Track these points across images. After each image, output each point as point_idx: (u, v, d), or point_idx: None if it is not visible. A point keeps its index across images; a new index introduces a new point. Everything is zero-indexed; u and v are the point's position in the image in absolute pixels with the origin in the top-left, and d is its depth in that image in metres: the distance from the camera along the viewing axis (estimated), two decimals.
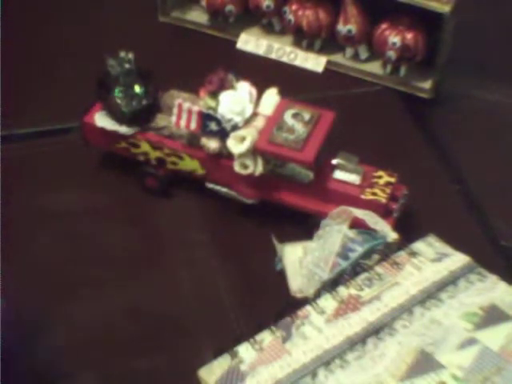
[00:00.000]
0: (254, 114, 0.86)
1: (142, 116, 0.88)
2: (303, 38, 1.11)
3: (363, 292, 0.71)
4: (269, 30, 1.15)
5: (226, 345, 0.68)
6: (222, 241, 0.87)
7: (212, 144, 0.85)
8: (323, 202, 0.84)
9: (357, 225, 0.79)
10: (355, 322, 0.69)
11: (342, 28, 1.07)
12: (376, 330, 0.68)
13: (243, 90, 0.86)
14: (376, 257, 0.76)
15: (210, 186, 0.89)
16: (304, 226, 0.83)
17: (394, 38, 1.03)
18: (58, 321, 0.79)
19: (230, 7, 1.13)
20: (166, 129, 0.88)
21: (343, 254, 0.76)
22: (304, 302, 0.73)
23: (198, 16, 1.18)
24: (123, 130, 0.88)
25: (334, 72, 1.10)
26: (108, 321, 0.79)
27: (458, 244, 0.76)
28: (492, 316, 0.69)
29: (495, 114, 1.05)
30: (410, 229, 0.82)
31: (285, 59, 1.11)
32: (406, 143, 1.00)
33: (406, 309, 0.70)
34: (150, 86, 0.88)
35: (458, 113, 1.05)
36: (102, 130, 0.89)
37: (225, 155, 0.85)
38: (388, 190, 0.83)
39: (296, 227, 0.85)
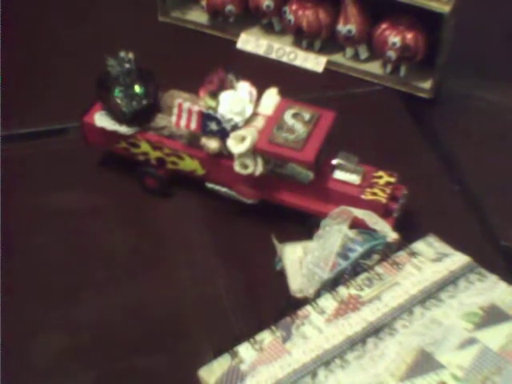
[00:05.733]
0: (254, 114, 0.86)
1: (142, 116, 0.88)
2: (303, 37, 1.11)
3: (363, 292, 0.71)
4: (269, 30, 1.15)
5: (226, 345, 0.68)
6: (222, 241, 0.87)
7: (212, 144, 0.85)
8: (323, 202, 0.84)
9: (357, 225, 0.79)
10: (355, 322, 0.69)
11: (342, 28, 1.07)
12: (376, 330, 0.68)
13: (243, 89, 0.86)
14: (376, 257, 0.76)
15: (210, 186, 0.89)
16: (304, 226, 0.84)
17: (394, 38, 1.03)
18: (58, 321, 0.79)
19: (230, 7, 1.13)
20: (166, 129, 0.88)
21: (343, 254, 0.76)
22: (304, 301, 0.73)
23: (198, 16, 1.18)
24: (123, 129, 0.88)
25: (334, 72, 1.10)
26: (108, 321, 0.79)
27: (458, 244, 0.76)
28: (492, 316, 0.69)
29: (495, 114, 1.05)
30: (410, 229, 0.82)
31: (285, 59, 1.11)
32: (406, 143, 1.00)
33: (406, 309, 0.70)
34: (150, 86, 0.88)
35: (458, 113, 1.05)
36: (102, 130, 0.89)
37: (225, 155, 0.85)
38: (388, 190, 0.83)
39: (296, 227, 0.85)
